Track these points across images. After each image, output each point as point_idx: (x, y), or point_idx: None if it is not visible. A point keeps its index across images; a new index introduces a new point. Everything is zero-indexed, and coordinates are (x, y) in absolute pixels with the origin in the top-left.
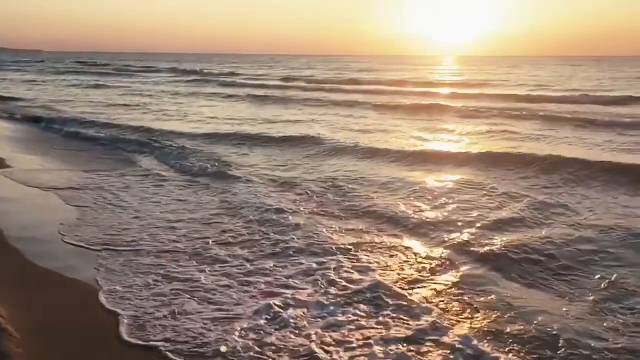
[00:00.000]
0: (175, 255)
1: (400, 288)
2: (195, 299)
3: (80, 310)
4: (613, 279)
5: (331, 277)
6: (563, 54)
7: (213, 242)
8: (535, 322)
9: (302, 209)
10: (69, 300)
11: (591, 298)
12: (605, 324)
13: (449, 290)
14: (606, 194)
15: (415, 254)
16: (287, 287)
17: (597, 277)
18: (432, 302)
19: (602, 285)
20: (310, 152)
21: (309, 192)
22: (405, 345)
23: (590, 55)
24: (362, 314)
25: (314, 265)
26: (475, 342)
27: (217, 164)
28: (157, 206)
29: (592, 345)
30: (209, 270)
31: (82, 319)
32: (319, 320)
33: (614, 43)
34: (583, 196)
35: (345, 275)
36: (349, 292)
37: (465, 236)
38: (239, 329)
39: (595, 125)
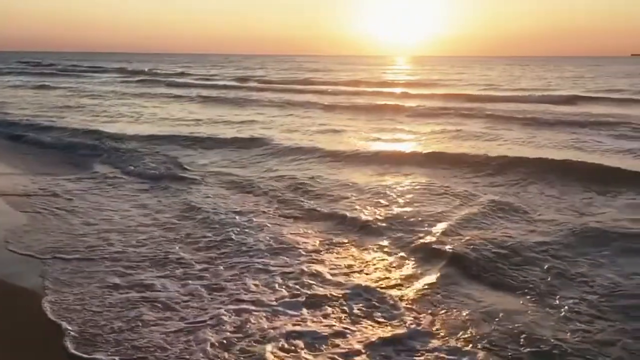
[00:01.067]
0: (132, 262)
1: (366, 290)
2: (154, 308)
3: (24, 322)
4: (572, 273)
5: (297, 280)
6: (511, 54)
7: (173, 247)
8: (499, 319)
9: (263, 210)
10: (11, 311)
11: (553, 296)
12: (566, 322)
13: (414, 291)
14: (559, 191)
15: (379, 255)
16: (252, 291)
17: (556, 272)
18: (399, 303)
19: (562, 281)
20: (264, 154)
21: (268, 193)
22: (374, 347)
23: (538, 55)
24: (331, 317)
25: (277, 268)
26: (444, 342)
27: (172, 166)
28: (112, 211)
29: (553, 341)
30: (168, 277)
31: (24, 330)
32: (287, 324)
33: (560, 43)
34: (537, 194)
35: (311, 277)
36: (316, 294)
37: (426, 236)
38: (203, 339)
39: (545, 123)
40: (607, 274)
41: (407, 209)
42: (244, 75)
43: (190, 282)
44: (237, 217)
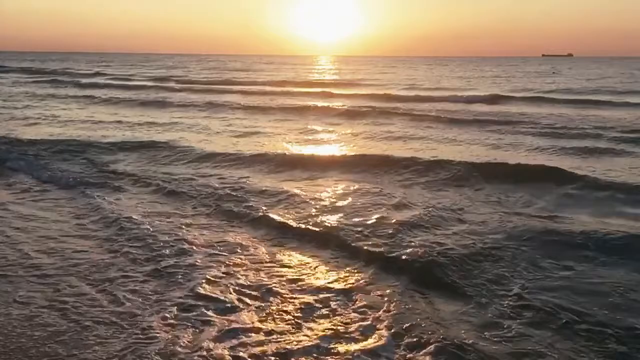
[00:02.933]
0: (43, 279)
1: (304, 299)
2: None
3: None
4: (516, 279)
5: (231, 290)
6: (432, 53)
7: (95, 261)
8: (443, 328)
9: (188, 215)
10: None
11: (497, 301)
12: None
13: (353, 299)
14: (489, 191)
15: (315, 264)
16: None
17: (500, 277)
18: (341, 312)
19: (508, 288)
20: (183, 158)
21: (190, 199)
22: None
23: (456, 55)
24: (275, 328)
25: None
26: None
27: (89, 172)
28: (23, 221)
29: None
30: (79, 295)
31: None
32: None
33: (478, 43)
34: (468, 196)
35: (246, 289)
36: (254, 307)
37: (360, 242)
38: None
39: (469, 122)
40: (545, 274)
41: (340, 214)
42: (165, 75)
43: (109, 300)
44: (154, 221)
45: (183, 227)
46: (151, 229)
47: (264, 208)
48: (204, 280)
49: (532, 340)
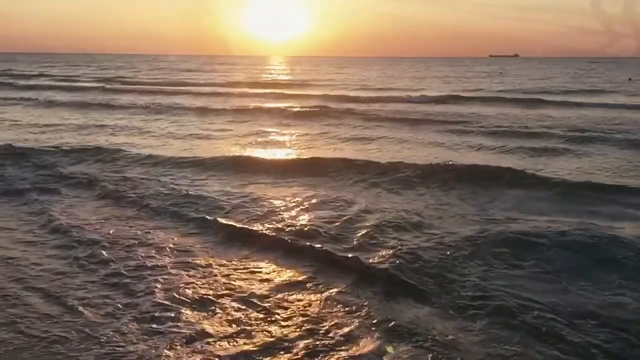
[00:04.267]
0: None
1: (261, 307)
2: None
3: None
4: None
5: (188, 297)
6: (384, 54)
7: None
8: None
9: (139, 219)
10: None
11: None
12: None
13: (311, 307)
14: (445, 193)
15: (273, 271)
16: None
17: (470, 284)
18: (299, 321)
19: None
20: (131, 162)
21: (140, 204)
22: None
23: (409, 55)
24: (227, 336)
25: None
26: None
27: (32, 177)
28: None
29: None
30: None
31: None
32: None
33: (429, 43)
34: (426, 199)
35: (204, 295)
36: (213, 313)
37: (321, 246)
38: None
39: (422, 123)
40: (501, 272)
41: (294, 221)
42: (113, 76)
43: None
44: (105, 227)
45: (136, 232)
46: (102, 235)
47: (218, 212)
48: (159, 286)
49: (493, 333)
